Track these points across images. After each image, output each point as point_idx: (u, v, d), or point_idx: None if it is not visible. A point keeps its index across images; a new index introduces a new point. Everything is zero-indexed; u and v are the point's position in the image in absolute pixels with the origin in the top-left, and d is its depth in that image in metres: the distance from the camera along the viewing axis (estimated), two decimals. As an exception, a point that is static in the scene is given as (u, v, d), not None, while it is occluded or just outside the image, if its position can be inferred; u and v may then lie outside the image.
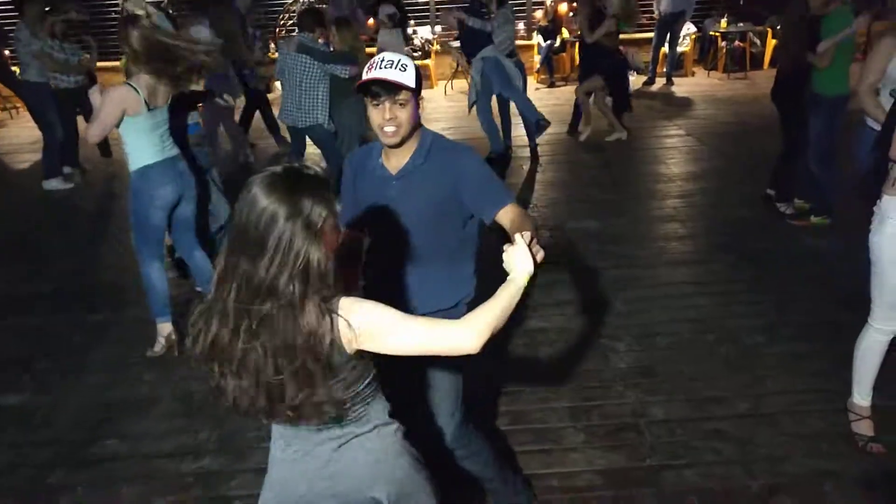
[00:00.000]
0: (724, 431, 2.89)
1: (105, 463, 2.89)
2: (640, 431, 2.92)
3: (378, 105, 1.91)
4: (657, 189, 5.86)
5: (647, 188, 5.93)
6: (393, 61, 1.90)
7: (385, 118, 1.91)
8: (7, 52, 7.60)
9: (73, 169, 6.50)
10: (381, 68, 1.89)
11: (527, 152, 6.67)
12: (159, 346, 3.59)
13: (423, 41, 10.15)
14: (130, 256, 3.82)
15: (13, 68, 7.15)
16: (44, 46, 5.91)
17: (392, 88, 1.88)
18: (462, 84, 9.95)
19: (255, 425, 3.02)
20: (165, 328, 3.60)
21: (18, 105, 9.10)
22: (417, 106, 1.98)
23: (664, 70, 9.85)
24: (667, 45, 9.75)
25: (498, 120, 6.57)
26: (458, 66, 9.98)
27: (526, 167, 6.46)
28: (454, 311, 2.12)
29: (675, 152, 6.75)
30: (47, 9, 6.05)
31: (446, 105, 9.18)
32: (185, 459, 2.88)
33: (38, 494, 2.73)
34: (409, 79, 1.89)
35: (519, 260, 1.58)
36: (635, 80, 9.76)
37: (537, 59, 10.22)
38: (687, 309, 3.90)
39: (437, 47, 10.31)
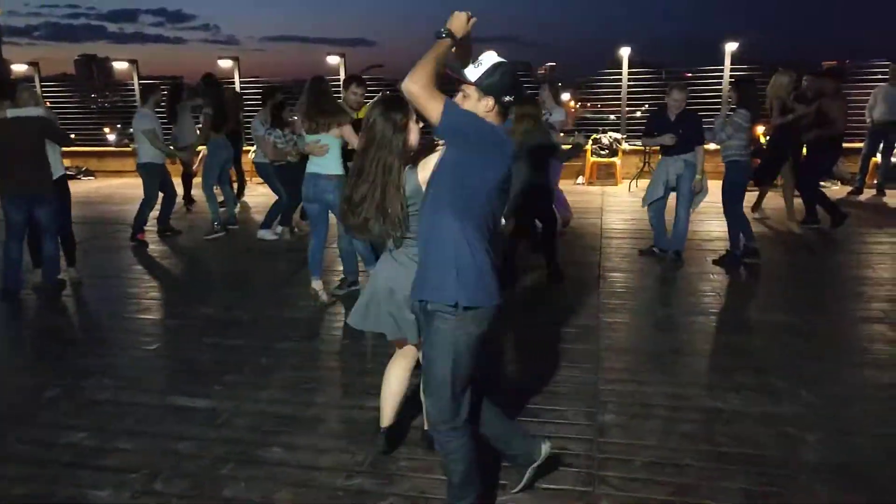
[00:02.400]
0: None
1: (269, 466, 3.05)
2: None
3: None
4: (862, 291, 5.28)
5: (851, 289, 5.37)
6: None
7: None
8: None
9: (284, 227, 7.30)
10: None
11: (707, 245, 6.39)
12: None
13: (611, 140, 10.32)
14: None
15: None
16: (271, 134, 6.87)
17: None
18: (646, 183, 9.88)
19: (406, 454, 3.07)
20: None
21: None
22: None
23: (874, 181, 9.07)
24: (879, 154, 9.01)
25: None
26: (644, 165, 9.99)
27: (710, 258, 6.16)
28: None
29: (884, 258, 6.09)
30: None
31: (629, 200, 9.13)
32: (339, 475, 2.96)
33: (209, 481, 2.94)
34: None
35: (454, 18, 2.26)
36: (839, 190, 9.14)
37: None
38: (895, 412, 3.40)
39: (623, 146, 10.42)
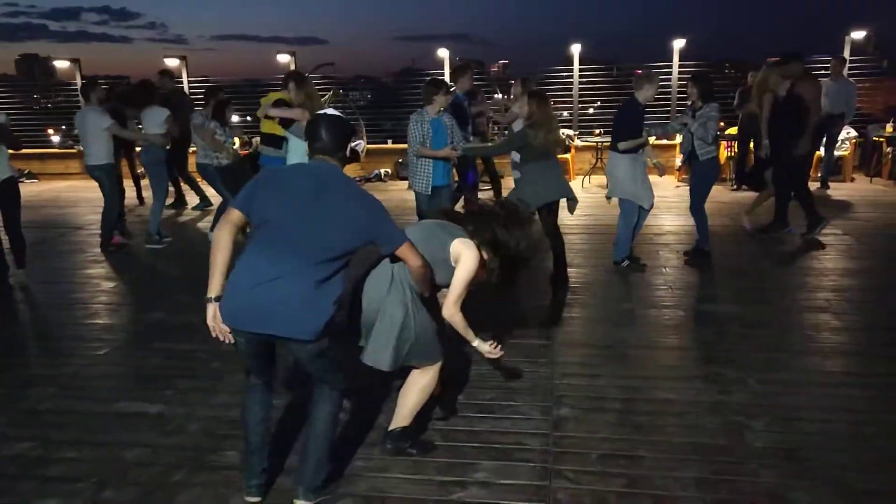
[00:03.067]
0: (881, 524, 2.51)
1: (223, 470, 2.99)
2: (778, 511, 2.60)
3: None
4: (807, 281, 5.46)
5: (796, 280, 5.55)
6: None
7: None
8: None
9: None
10: None
11: (659, 239, 6.52)
12: None
13: (564, 136, 10.43)
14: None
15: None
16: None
17: None
18: (599, 178, 10.03)
19: (363, 455, 3.06)
20: None
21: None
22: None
23: (818, 175, 9.36)
24: (822, 148, 9.31)
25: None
26: (596, 161, 10.13)
27: (663, 253, 6.28)
28: None
29: (828, 249, 6.29)
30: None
31: (583, 196, 9.21)
32: (291, 476, 2.91)
33: (161, 488, 2.87)
34: None
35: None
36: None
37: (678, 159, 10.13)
38: (839, 398, 3.52)
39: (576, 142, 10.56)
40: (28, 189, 10.41)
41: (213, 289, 2.52)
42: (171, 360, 4.19)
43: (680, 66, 10.56)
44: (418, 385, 2.98)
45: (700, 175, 5.85)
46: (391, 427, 3.04)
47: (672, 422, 3.31)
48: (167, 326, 4.78)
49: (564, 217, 7.63)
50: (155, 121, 7.02)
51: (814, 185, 9.17)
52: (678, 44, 10.62)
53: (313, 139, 2.62)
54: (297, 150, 5.77)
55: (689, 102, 5.85)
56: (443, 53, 11.42)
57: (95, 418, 3.48)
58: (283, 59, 11.60)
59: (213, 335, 2.56)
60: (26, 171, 11.67)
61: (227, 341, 2.56)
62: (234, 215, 2.57)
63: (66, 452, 3.15)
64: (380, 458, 3.03)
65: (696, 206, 5.90)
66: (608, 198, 5.90)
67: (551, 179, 5.12)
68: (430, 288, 2.86)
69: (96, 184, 6.77)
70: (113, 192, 6.77)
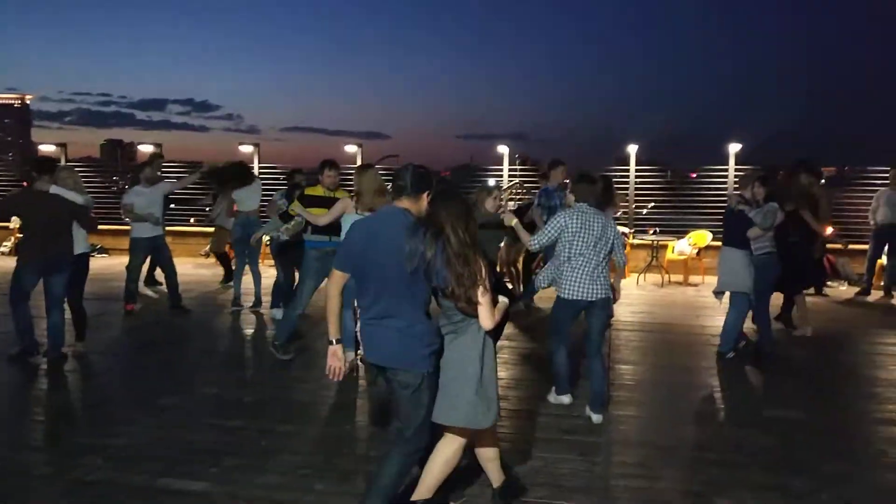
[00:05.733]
0: None
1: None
2: None
3: None
4: (876, 392, 5.17)
5: (864, 389, 5.26)
6: None
7: None
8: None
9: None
10: None
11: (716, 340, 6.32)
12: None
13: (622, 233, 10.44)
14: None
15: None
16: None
17: None
18: (654, 277, 9.92)
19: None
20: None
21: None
22: None
23: (881, 283, 9.07)
24: (885, 256, 9.06)
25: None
26: (651, 259, 10.05)
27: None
28: None
29: (895, 359, 5.99)
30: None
31: (637, 293, 9.12)
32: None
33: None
34: None
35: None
36: (846, 290, 9.17)
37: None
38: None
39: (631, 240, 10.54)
40: (98, 262, 10.89)
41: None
42: (219, 436, 4.19)
43: (736, 169, 10.58)
44: (444, 456, 3.02)
45: (761, 273, 5.73)
46: (414, 497, 3.03)
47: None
48: (220, 401, 4.82)
49: (618, 314, 7.57)
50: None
51: (878, 293, 8.89)
52: (734, 148, 10.70)
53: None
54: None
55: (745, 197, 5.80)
56: (502, 149, 11.78)
57: (140, 493, 3.46)
58: (351, 149, 12.19)
59: (330, 375, 3.03)
60: (98, 246, 12.23)
61: (336, 380, 3.07)
62: None
63: (111, 524, 3.12)
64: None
65: (760, 306, 5.77)
66: (718, 293, 5.84)
67: None
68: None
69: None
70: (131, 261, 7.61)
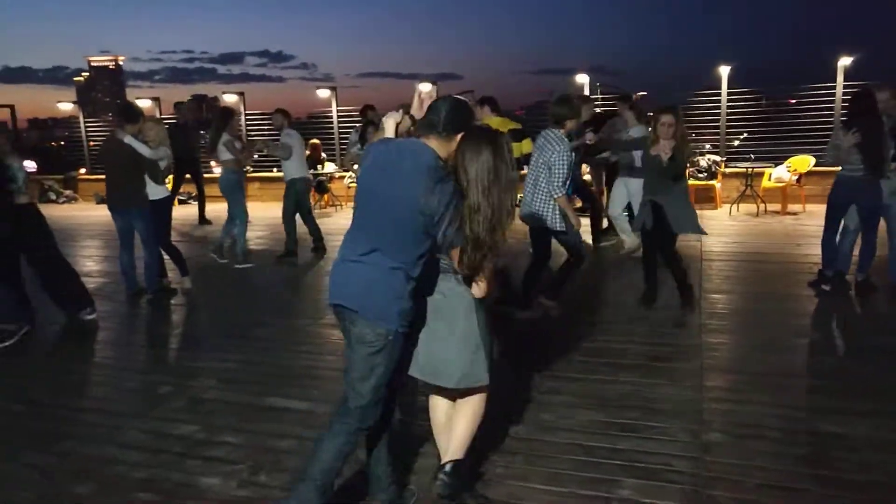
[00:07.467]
0: None
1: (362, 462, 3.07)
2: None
3: None
4: None
5: None
6: None
7: None
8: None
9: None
10: None
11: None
12: None
13: (710, 162, 10.01)
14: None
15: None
16: None
17: None
18: (748, 207, 9.48)
19: (503, 461, 3.03)
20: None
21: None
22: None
23: None
24: None
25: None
26: (745, 188, 9.59)
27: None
28: None
29: None
30: None
31: (729, 223, 8.77)
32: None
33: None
34: None
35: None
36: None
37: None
38: None
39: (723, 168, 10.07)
40: (189, 210, 11.49)
41: None
42: (318, 361, 4.42)
43: (844, 86, 9.79)
44: (471, 408, 2.64)
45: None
46: (443, 460, 2.67)
47: (842, 456, 3.01)
48: (308, 332, 5.09)
49: (710, 245, 7.32)
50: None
51: None
52: (843, 62, 9.84)
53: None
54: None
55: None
56: (582, 79, 11.38)
57: (250, 409, 3.72)
58: (426, 87, 12.07)
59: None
60: (193, 195, 12.86)
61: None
62: None
63: (226, 437, 3.39)
64: (520, 467, 3.00)
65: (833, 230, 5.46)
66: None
67: None
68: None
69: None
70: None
